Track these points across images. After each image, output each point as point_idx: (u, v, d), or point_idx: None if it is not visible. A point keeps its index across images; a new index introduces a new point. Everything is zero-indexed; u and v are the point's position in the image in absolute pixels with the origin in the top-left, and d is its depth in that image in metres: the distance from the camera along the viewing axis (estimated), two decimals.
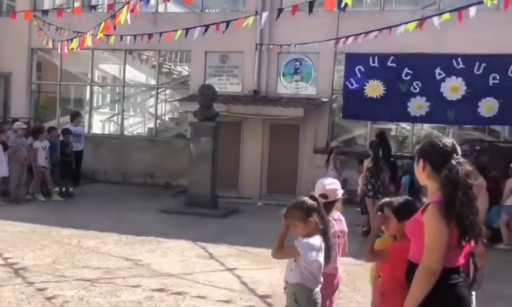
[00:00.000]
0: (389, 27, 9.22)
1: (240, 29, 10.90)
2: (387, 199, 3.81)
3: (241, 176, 14.53)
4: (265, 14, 7.96)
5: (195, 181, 11.58)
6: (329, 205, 3.99)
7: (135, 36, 10.47)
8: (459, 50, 12.99)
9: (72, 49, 8.18)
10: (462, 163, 2.89)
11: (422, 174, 2.98)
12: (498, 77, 12.78)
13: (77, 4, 16.81)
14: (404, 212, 3.47)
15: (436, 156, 2.90)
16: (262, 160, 14.37)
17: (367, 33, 9.81)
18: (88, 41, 7.14)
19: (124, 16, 5.61)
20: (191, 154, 11.75)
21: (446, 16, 7.46)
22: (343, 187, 12.34)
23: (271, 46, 13.82)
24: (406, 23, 8.53)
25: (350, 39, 10.61)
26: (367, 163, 9.53)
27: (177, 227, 9.76)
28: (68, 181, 12.91)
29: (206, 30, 8.53)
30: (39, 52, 16.74)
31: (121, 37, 10.58)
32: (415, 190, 9.33)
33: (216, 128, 11.55)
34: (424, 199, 3.22)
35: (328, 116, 14.21)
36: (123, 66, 16.25)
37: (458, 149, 2.92)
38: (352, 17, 13.71)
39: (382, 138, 10.42)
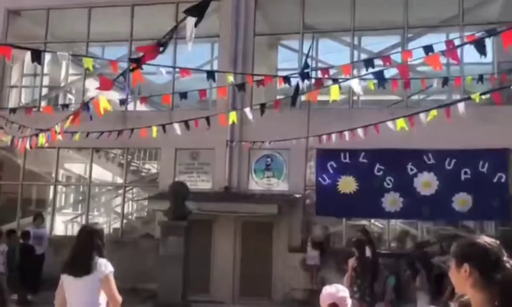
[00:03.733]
0: (375, 124, 9.11)
1: (211, 127, 10.71)
2: None
3: (213, 278, 13.83)
4: (247, 110, 7.77)
5: (165, 285, 10.88)
6: None
7: (101, 132, 10.13)
8: (429, 146, 13.10)
9: (41, 145, 7.73)
10: None
11: (465, 282, 2.45)
12: (469, 172, 12.86)
13: (43, 103, 16.57)
14: None
15: (486, 260, 2.41)
16: (234, 261, 13.77)
17: (352, 130, 9.70)
18: (58, 135, 6.73)
19: (104, 103, 5.28)
20: (160, 256, 11.12)
21: (434, 112, 7.40)
22: (321, 286, 11.79)
23: (242, 143, 13.68)
24: (394, 119, 8.36)
25: (324, 137, 10.53)
26: (352, 262, 9.09)
27: None
28: (27, 288, 11.96)
29: (187, 125, 8.29)
30: (1, 151, 16.17)
31: (87, 134, 10.21)
32: (401, 291, 8.97)
33: (188, 228, 11.04)
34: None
35: (301, 213, 13.90)
36: (90, 164, 15.78)
37: (503, 249, 2.51)
38: (321, 113, 13.85)
39: (366, 236, 10.07)
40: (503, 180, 12.64)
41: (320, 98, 15.69)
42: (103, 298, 4.63)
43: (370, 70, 8.91)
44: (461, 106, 7.21)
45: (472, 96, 7.14)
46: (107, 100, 5.45)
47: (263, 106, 7.47)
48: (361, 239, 9.68)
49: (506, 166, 12.72)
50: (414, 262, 9.36)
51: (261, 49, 16.42)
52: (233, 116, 7.63)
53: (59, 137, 6.79)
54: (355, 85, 6.28)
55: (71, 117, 5.69)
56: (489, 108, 12.93)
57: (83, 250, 4.70)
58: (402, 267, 9.63)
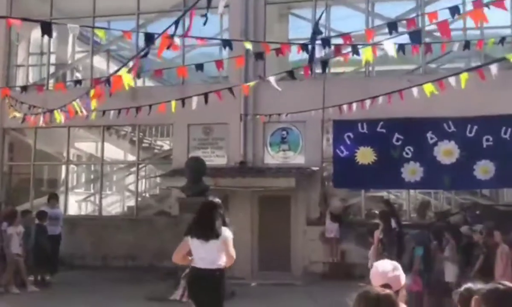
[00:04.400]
0: (400, 90, 8.74)
1: (224, 100, 10.37)
2: (469, 286, 3.11)
3: None
4: (272, 78, 7.37)
5: None
6: None
7: (119, 110, 9.79)
8: (449, 113, 12.74)
9: (59, 121, 7.43)
10: None
11: None
12: (491, 139, 12.53)
13: (51, 82, 16.26)
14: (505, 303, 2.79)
15: None
16: (252, 235, 13.57)
17: (374, 98, 9.33)
18: (79, 111, 6.43)
19: (127, 78, 4.97)
20: (180, 233, 10.88)
21: (465, 75, 7.01)
22: (341, 259, 11.55)
23: (258, 116, 13.35)
24: (421, 84, 7.97)
25: (345, 106, 10.17)
26: (377, 234, 8.84)
27: None
28: (44, 268, 11.83)
29: (206, 99, 7.96)
30: (11, 132, 15.93)
31: (103, 112, 9.87)
32: (430, 262, 8.73)
33: None
34: None
35: (319, 186, 13.63)
36: (101, 143, 15.52)
37: None
38: (336, 83, 13.51)
39: (389, 207, 9.78)
40: None
41: (335, 70, 15.35)
42: (223, 257, 5.72)
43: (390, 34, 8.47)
44: (493, 68, 6.84)
45: (507, 56, 6.76)
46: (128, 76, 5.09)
47: (291, 73, 7.11)
48: (386, 211, 9.40)
49: None
50: (441, 232, 9.11)
51: (271, 19, 15.98)
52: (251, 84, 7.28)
53: (84, 112, 6.49)
54: (390, 48, 5.93)
55: (93, 94, 5.34)
56: (510, 73, 12.53)
57: (209, 220, 5.73)
58: (429, 237, 9.37)
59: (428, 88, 7.06)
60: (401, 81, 11.87)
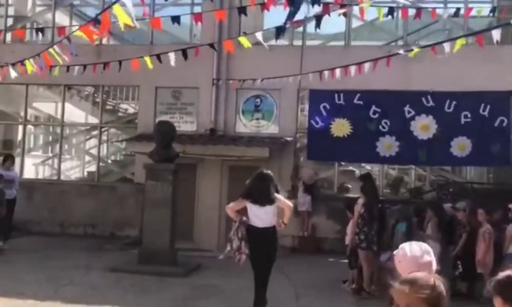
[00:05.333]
0: (387, 57, 8.26)
1: (195, 63, 9.67)
2: (509, 272, 2.61)
3: (197, 225, 13.11)
4: (259, 34, 6.59)
5: (150, 232, 10.03)
6: None
7: (85, 66, 8.90)
8: (428, 87, 12.37)
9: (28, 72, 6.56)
10: None
11: None
12: (469, 115, 12.23)
13: (8, 35, 15.10)
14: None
15: None
16: (220, 207, 12.94)
17: (359, 64, 8.80)
18: (59, 59, 5.62)
19: (123, 16, 4.23)
20: (146, 201, 10.25)
21: (462, 41, 6.52)
22: (311, 233, 11.05)
23: (231, 81, 12.66)
24: (410, 50, 7.52)
25: (326, 72, 9.61)
26: (358, 208, 8.35)
27: (134, 291, 8.18)
28: None
29: (185, 55, 7.22)
30: None
31: (68, 68, 8.96)
32: (413, 238, 8.35)
33: (176, 171, 10.15)
34: None
35: (292, 157, 13.13)
36: (62, 103, 14.53)
37: None
38: (314, 52, 12.96)
39: (370, 181, 9.26)
40: (504, 124, 12.06)
41: (310, 42, 14.69)
42: (275, 218, 7.01)
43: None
44: (496, 34, 6.39)
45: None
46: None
47: (279, 30, 6.47)
48: (369, 185, 8.90)
49: (508, 110, 12.10)
50: (423, 209, 8.75)
51: None
52: (245, 42, 6.62)
53: (66, 58, 5.70)
54: None
55: (103, 25, 4.53)
56: (491, 48, 12.19)
57: (265, 188, 6.91)
58: (411, 213, 9.02)
59: (415, 51, 6.62)
60: (382, 52, 11.41)
